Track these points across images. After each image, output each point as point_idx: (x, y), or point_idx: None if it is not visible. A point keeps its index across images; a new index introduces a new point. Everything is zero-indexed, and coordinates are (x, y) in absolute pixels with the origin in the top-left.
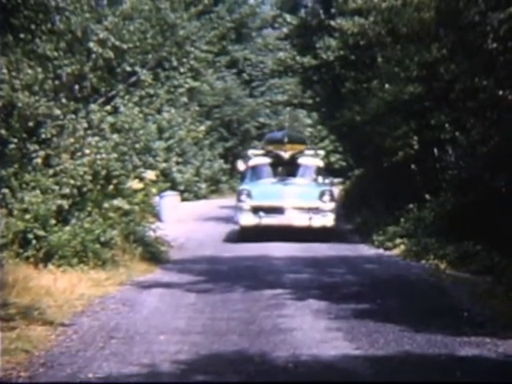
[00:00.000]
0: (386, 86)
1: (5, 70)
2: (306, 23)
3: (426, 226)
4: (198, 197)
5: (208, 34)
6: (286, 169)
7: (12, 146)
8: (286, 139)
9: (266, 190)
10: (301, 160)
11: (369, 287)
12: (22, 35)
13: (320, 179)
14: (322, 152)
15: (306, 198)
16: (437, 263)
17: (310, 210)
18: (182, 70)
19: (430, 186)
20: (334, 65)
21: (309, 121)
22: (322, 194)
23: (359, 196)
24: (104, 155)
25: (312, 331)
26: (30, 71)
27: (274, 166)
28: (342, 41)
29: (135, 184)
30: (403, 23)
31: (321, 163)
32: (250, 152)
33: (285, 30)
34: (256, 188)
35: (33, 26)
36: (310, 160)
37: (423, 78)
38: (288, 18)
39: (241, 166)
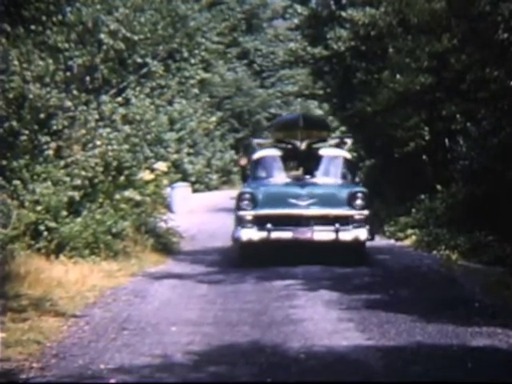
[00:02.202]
0: (397, 76)
1: (16, 62)
2: (317, 14)
3: (438, 217)
4: (209, 188)
5: (219, 26)
6: (303, 163)
7: (23, 137)
8: (300, 123)
9: (275, 193)
10: (322, 151)
11: (380, 278)
12: (33, 27)
13: (349, 176)
14: (349, 140)
15: (330, 203)
16: (448, 254)
17: (336, 219)
18: (192, 61)
19: (441, 176)
20: (345, 55)
21: (320, 112)
22: (352, 198)
23: (370, 187)
24: (115, 146)
25: (323, 322)
26: (41, 63)
27: (286, 159)
28: (353, 31)
29: (146, 175)
30: (414, 13)
31: (348, 155)
32: (255, 142)
33: (296, 20)
34: (262, 191)
35: (44, 18)
36: (335, 151)
37: (434, 68)
38: (299, 8)
39: (242, 160)
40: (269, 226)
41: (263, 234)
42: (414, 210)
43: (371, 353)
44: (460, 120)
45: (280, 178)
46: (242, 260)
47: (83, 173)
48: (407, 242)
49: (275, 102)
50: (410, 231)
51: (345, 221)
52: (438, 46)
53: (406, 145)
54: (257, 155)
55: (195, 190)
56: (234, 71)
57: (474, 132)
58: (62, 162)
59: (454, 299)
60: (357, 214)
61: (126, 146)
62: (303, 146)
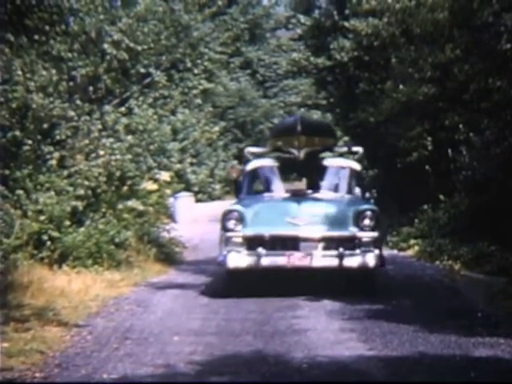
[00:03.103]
0: (400, 86)
1: (19, 72)
2: (320, 24)
3: (441, 227)
4: (212, 198)
5: (222, 36)
6: (303, 175)
7: (27, 147)
8: (298, 128)
9: (268, 210)
10: (327, 161)
11: (383, 288)
12: (36, 37)
13: (357, 191)
14: (360, 149)
15: (333, 222)
16: (451, 264)
17: (340, 242)
18: (195, 71)
19: (444, 186)
20: (348, 66)
21: None
22: (359, 217)
23: (373, 196)
24: (118, 156)
25: (326, 332)
26: (44, 73)
27: (284, 170)
28: (356, 42)
29: (149, 185)
30: (417, 24)
31: (357, 166)
32: (248, 151)
33: (298, 30)
34: (253, 208)
35: (47, 28)
36: (341, 161)
37: (437, 78)
38: (302, 18)
39: (234, 171)
40: (259, 250)
41: (253, 260)
42: (416, 220)
43: (373, 363)
44: (463, 130)
45: (277, 192)
46: (228, 289)
47: (86, 183)
48: (410, 252)
49: (278, 112)
50: (412, 241)
51: (350, 244)
52: (441, 57)
53: (408, 155)
54: (250, 166)
55: (198, 200)
56: (237, 81)
57: (476, 142)
58: (65, 172)
59: (456, 309)
60: (365, 236)
61: (129, 156)
62: (302, 154)
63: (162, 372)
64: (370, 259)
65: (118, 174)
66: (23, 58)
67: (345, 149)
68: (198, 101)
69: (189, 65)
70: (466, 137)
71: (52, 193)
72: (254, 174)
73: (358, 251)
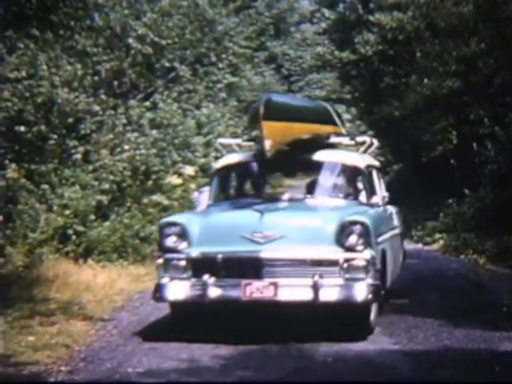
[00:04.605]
0: (425, 80)
1: (44, 67)
2: (345, 18)
3: (465, 221)
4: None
5: (246, 30)
6: (290, 174)
7: (52, 141)
8: (261, 111)
9: (222, 223)
10: (323, 156)
11: (407, 282)
12: (61, 32)
13: (360, 195)
14: (375, 141)
15: (310, 239)
16: (476, 258)
17: (316, 266)
18: (220, 65)
19: (469, 180)
20: (373, 59)
21: (347, 116)
22: (344, 232)
23: (398, 191)
24: (143, 151)
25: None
26: (69, 67)
27: (264, 168)
28: (381, 35)
29: (174, 179)
30: (442, 18)
31: (372, 161)
32: (220, 142)
33: (323, 24)
34: (201, 220)
35: (72, 23)
36: (342, 156)
37: (462, 72)
38: (326, 12)
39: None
40: (205, 277)
41: (197, 291)
42: (441, 215)
43: (398, 357)
44: (488, 124)
45: (254, 197)
46: (169, 328)
47: (111, 177)
48: (435, 247)
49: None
50: (437, 235)
51: (331, 269)
52: (466, 50)
53: (433, 149)
54: (220, 163)
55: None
56: (261, 75)
57: (501, 136)
58: (90, 167)
59: (481, 304)
60: (351, 258)
61: (154, 151)
62: (268, 148)
63: (186, 366)
64: (358, 291)
65: (142, 168)
66: (48, 52)
67: (356, 139)
68: (223, 95)
69: (213, 59)
70: (490, 131)
71: (77, 187)
72: (225, 174)
73: (340, 280)
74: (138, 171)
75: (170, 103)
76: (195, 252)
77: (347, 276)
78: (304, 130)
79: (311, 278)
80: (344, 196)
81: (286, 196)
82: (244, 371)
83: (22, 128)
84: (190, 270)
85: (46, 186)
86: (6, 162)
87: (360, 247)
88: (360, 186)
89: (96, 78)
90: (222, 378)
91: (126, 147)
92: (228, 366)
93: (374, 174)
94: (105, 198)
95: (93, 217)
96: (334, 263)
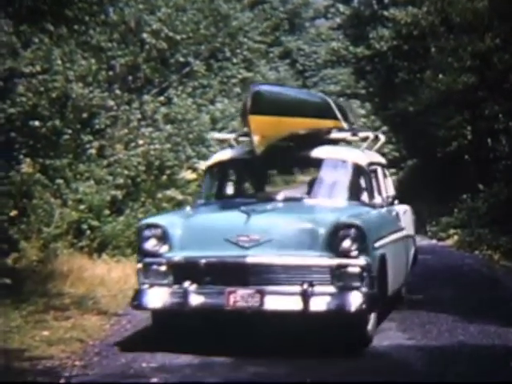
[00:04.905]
0: (440, 76)
1: (59, 62)
2: (359, 13)
3: (480, 217)
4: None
5: (261, 25)
6: (287, 171)
7: (66, 136)
8: (248, 104)
9: (206, 226)
10: (318, 152)
11: (422, 278)
12: (75, 27)
13: (363, 196)
14: (382, 137)
15: (300, 244)
16: (490, 254)
17: (306, 273)
18: (235, 60)
19: (483, 176)
20: (387, 55)
21: (362, 111)
22: (336, 236)
23: (412, 186)
24: (157, 146)
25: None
26: (83, 62)
27: (259, 165)
28: (395, 31)
29: (188, 174)
30: (457, 13)
31: (376, 158)
32: (212, 137)
33: (338, 20)
34: (184, 222)
35: (87, 18)
36: (342, 152)
37: (477, 67)
38: (341, 8)
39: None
40: (186, 284)
41: (178, 299)
42: (456, 210)
43: (412, 352)
44: (503, 119)
45: (248, 196)
46: (155, 339)
47: (126, 172)
48: (449, 242)
49: None
50: (451, 231)
51: (322, 276)
52: (481, 46)
53: (448, 144)
54: (212, 160)
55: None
56: (276, 70)
57: None
58: (105, 161)
59: (496, 299)
60: (344, 263)
61: (168, 146)
62: (257, 144)
63: (199, 361)
64: (352, 300)
65: (157, 163)
66: (63, 47)
67: (346, 134)
68: (237, 90)
69: (228, 54)
70: (505, 126)
71: (91, 182)
72: (217, 172)
73: (332, 288)
74: (153, 166)
75: (185, 98)
76: (176, 256)
77: (340, 284)
78: (300, 124)
79: (301, 286)
80: (344, 196)
81: (281, 196)
82: (256, 367)
83: (37, 123)
84: (171, 276)
85: (60, 181)
86: (21, 156)
87: (354, 252)
88: (362, 185)
89: (110, 73)
90: (235, 373)
91: (141, 142)
92: (241, 361)
93: (379, 171)
94: (119, 193)
95: (107, 211)
96: (325, 270)
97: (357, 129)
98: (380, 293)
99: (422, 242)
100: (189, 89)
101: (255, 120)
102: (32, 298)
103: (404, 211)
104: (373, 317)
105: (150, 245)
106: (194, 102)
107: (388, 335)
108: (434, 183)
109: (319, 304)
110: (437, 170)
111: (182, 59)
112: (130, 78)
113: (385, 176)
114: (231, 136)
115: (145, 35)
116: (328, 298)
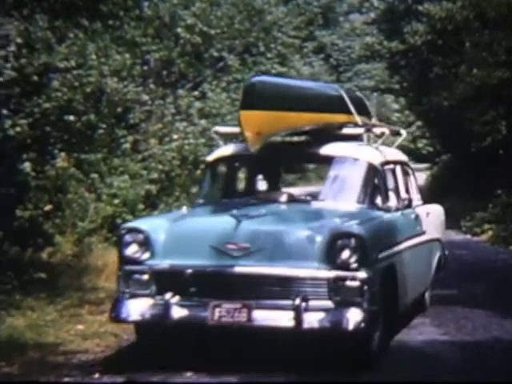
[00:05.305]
0: (474, 70)
1: (94, 56)
2: (394, 8)
3: None
4: (284, 184)
5: (295, 20)
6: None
7: (101, 131)
8: (243, 99)
9: (192, 231)
10: (332, 149)
11: (456, 273)
12: (110, 22)
13: (377, 198)
14: (404, 132)
15: (294, 253)
16: None
17: (299, 286)
18: (269, 55)
19: None
20: (422, 50)
21: (396, 106)
22: (334, 246)
23: (446, 181)
24: (192, 140)
25: (398, 317)
26: (118, 57)
27: (263, 163)
28: (430, 25)
29: None
30: (491, 7)
31: (394, 156)
32: (216, 131)
33: (372, 14)
34: (168, 226)
35: (121, 13)
36: (361, 151)
37: (511, 62)
38: (375, 2)
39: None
40: (167, 295)
41: (159, 311)
42: (490, 205)
43: (447, 347)
44: None
45: (241, 198)
46: (139, 357)
47: (160, 166)
48: (483, 237)
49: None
50: (486, 226)
51: (318, 290)
52: None
53: (482, 139)
54: (212, 156)
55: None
56: (310, 65)
57: None
58: (139, 156)
59: None
60: (342, 276)
61: (203, 140)
62: (250, 140)
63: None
64: (350, 317)
65: (191, 157)
66: (97, 42)
67: (360, 130)
68: None
69: (262, 49)
70: None
71: (126, 176)
72: (218, 169)
73: (329, 303)
74: (187, 160)
75: (219, 93)
76: (159, 264)
77: (337, 299)
78: (304, 119)
79: (293, 301)
80: (354, 199)
81: (285, 197)
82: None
83: (72, 117)
84: (154, 286)
85: (95, 176)
86: (56, 151)
87: (354, 265)
88: (375, 186)
89: (145, 68)
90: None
91: (175, 137)
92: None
93: (398, 170)
94: (153, 188)
95: (141, 206)
96: (321, 283)
97: (371, 124)
98: (387, 308)
99: (457, 237)
100: (223, 83)
101: (247, 115)
102: (67, 293)
103: (427, 213)
104: (378, 335)
105: (131, 251)
106: (228, 96)
107: (421, 330)
108: (468, 178)
109: (313, 321)
110: (471, 164)
111: (216, 54)
112: (165, 72)
113: (407, 175)
114: (236, 130)
115: (179, 30)
116: (323, 315)
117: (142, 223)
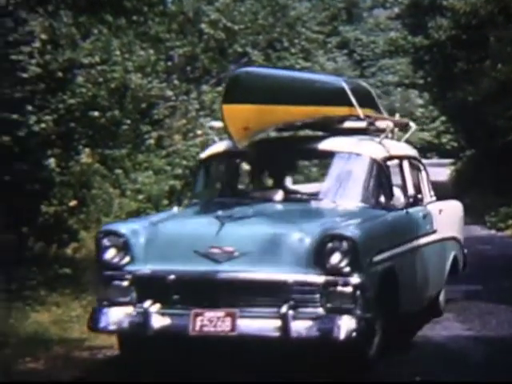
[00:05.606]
0: (499, 65)
1: (118, 52)
2: (418, 3)
3: None
4: (309, 179)
5: (319, 15)
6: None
7: (125, 127)
8: (224, 92)
9: (175, 235)
10: (330, 144)
11: (481, 268)
12: (134, 18)
13: (380, 196)
14: (413, 124)
15: (282, 258)
16: None
17: (286, 292)
18: (293, 50)
19: None
20: (446, 44)
21: (420, 101)
22: (323, 250)
23: (470, 177)
24: (216, 136)
25: (422, 312)
26: (142, 53)
27: (258, 160)
28: (454, 20)
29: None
30: None
31: (400, 150)
32: (211, 126)
33: (396, 9)
34: (150, 229)
35: (145, 8)
36: (362, 145)
37: None
38: None
39: None
40: (146, 304)
41: (138, 320)
42: None
43: (471, 343)
44: None
45: (233, 198)
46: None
47: (184, 162)
48: (508, 233)
49: (375, 91)
50: (510, 221)
51: (307, 296)
52: None
53: (507, 134)
54: (206, 153)
55: (295, 182)
56: (334, 61)
57: None
58: (163, 152)
59: None
60: (333, 282)
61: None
62: (234, 135)
63: None
64: (342, 326)
65: None
66: (122, 38)
67: (362, 124)
68: None
69: (286, 44)
70: None
71: (150, 172)
72: (211, 167)
73: (319, 311)
74: None
75: None
76: (140, 270)
77: (328, 306)
78: (298, 113)
79: (281, 308)
80: (354, 197)
81: (279, 196)
82: None
83: (96, 113)
84: (134, 293)
85: (119, 171)
86: (81, 147)
87: (346, 269)
88: (378, 183)
89: (169, 64)
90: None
91: (199, 132)
92: None
93: (406, 166)
94: (178, 183)
95: (166, 202)
96: (310, 289)
97: (374, 117)
98: (385, 314)
99: (481, 232)
100: None
101: (231, 110)
102: (91, 288)
103: (440, 210)
104: (377, 340)
105: (110, 256)
106: None
107: (445, 326)
108: (492, 173)
109: (301, 329)
110: (495, 160)
111: (240, 49)
112: (189, 68)
113: (417, 170)
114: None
115: (203, 26)
116: (312, 323)
117: (121, 226)
